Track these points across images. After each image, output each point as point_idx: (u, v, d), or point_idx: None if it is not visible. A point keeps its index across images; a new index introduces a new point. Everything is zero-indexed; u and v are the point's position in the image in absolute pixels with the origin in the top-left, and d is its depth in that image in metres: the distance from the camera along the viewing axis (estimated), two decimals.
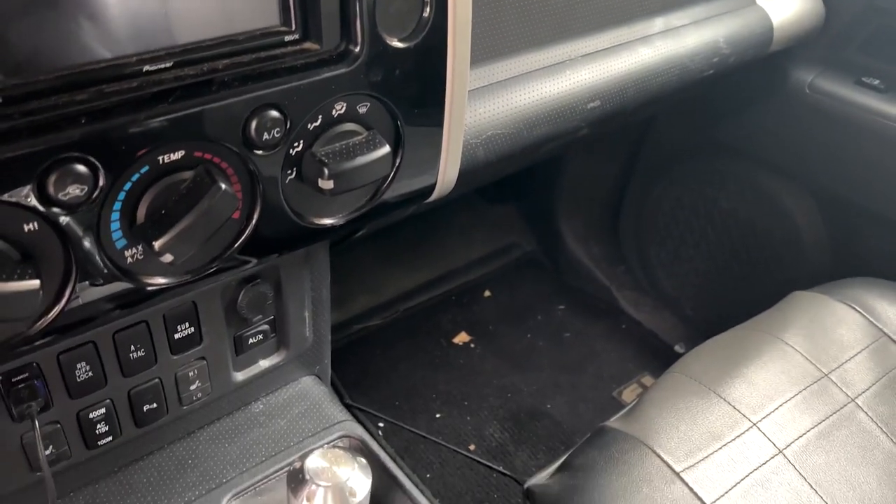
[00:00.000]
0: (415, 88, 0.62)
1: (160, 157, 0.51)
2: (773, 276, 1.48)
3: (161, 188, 0.52)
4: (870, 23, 1.25)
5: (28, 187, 0.46)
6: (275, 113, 0.54)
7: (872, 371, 0.96)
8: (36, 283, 0.47)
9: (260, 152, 0.55)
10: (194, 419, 0.83)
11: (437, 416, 1.50)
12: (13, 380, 0.64)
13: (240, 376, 0.83)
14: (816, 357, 0.96)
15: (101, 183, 0.48)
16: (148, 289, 0.57)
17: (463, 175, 0.75)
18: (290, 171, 0.58)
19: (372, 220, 0.70)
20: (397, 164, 0.65)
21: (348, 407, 1.09)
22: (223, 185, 0.52)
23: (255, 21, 0.53)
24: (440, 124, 0.67)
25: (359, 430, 0.86)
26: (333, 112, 0.58)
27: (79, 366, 0.67)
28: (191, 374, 0.77)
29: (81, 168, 0.47)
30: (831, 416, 0.91)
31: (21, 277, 0.47)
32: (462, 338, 1.68)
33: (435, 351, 1.65)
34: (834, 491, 0.84)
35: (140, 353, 0.71)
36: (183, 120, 0.50)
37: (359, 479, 0.66)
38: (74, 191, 0.47)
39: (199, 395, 0.79)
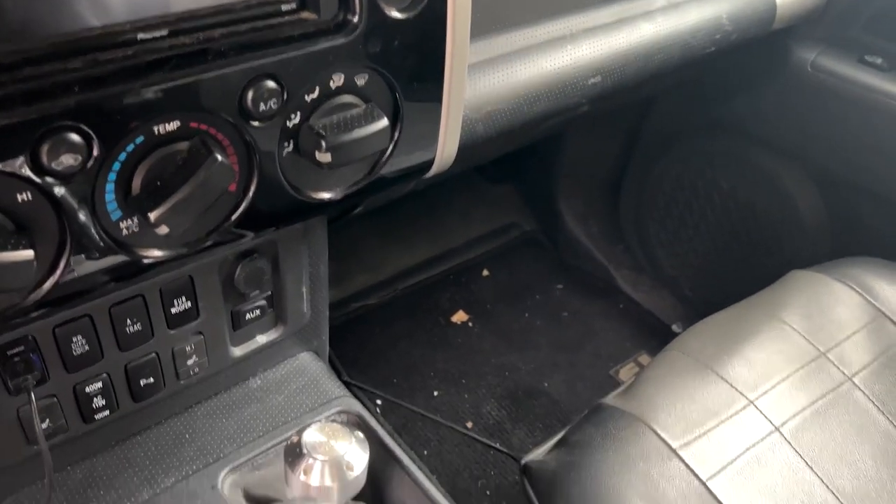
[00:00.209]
0: (414, 60, 0.61)
1: (155, 128, 0.50)
2: (772, 256, 1.48)
3: (156, 159, 0.52)
4: (873, 1, 1.23)
5: (21, 157, 0.45)
6: (271, 83, 0.53)
7: (870, 350, 0.96)
8: (30, 253, 0.47)
9: (256, 123, 0.54)
10: (192, 394, 0.83)
11: (435, 393, 1.51)
12: (9, 353, 0.64)
13: (237, 351, 0.83)
14: (814, 336, 0.96)
15: (95, 153, 0.48)
16: (144, 261, 0.56)
17: (462, 150, 0.74)
18: (287, 144, 0.58)
19: (370, 194, 0.69)
20: (396, 137, 0.64)
21: (346, 384, 1.10)
22: (219, 157, 0.51)
23: None
24: (439, 98, 0.66)
25: (356, 406, 0.86)
26: (331, 83, 0.57)
27: (75, 339, 0.67)
28: (188, 348, 0.77)
29: (75, 137, 0.46)
30: (828, 394, 0.91)
31: (15, 248, 0.46)
32: (460, 317, 1.69)
33: (433, 329, 1.65)
34: (829, 468, 0.84)
35: (137, 328, 0.71)
36: (178, 89, 0.50)
37: (356, 454, 0.66)
38: (68, 160, 0.46)
39: (197, 369, 0.79)
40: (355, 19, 0.56)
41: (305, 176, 0.61)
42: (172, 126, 0.51)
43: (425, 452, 1.40)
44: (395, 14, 0.57)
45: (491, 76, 0.81)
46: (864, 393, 0.92)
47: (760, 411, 0.88)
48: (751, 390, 0.89)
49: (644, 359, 1.62)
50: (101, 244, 0.53)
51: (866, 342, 0.97)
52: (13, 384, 0.64)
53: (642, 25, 0.96)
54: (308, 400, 0.86)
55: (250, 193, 0.58)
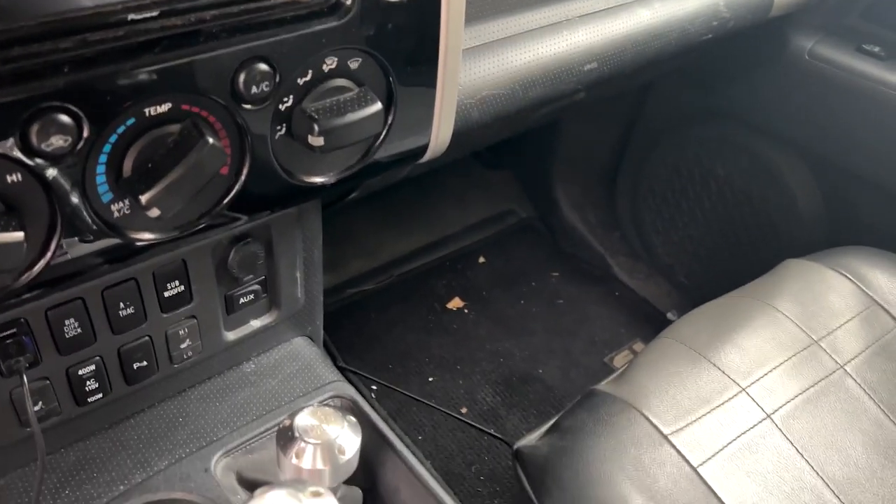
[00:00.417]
0: (408, 44, 0.61)
1: (146, 110, 0.50)
2: (768, 244, 1.48)
3: (148, 141, 0.51)
4: None
5: (11, 138, 0.45)
6: (263, 66, 0.53)
7: (862, 338, 0.96)
8: (20, 234, 0.47)
9: (248, 106, 0.54)
10: (185, 378, 0.83)
11: (430, 379, 1.51)
12: (1, 335, 0.64)
13: (231, 336, 0.83)
14: (807, 324, 0.97)
15: (85, 134, 0.48)
16: (136, 244, 0.56)
17: (457, 136, 0.74)
18: (279, 127, 0.58)
19: (364, 179, 0.69)
20: (389, 122, 0.64)
21: (341, 369, 1.10)
22: (210, 139, 0.51)
23: None
24: (433, 83, 0.66)
25: (350, 391, 0.86)
26: (324, 67, 0.57)
27: (67, 322, 0.67)
28: (181, 332, 0.77)
29: (65, 118, 0.46)
30: (820, 382, 0.91)
31: (5, 229, 0.46)
32: (456, 303, 1.69)
33: (429, 316, 1.65)
34: (820, 455, 0.85)
35: (129, 311, 0.71)
36: (169, 71, 0.49)
37: (348, 437, 0.66)
38: (58, 141, 0.46)
39: (190, 353, 0.79)
40: (349, 2, 0.55)
41: (298, 160, 0.61)
42: (164, 108, 0.51)
43: (420, 437, 1.41)
44: None
45: (486, 61, 0.80)
46: (855, 381, 0.92)
47: (752, 398, 0.88)
48: (743, 378, 0.90)
49: (639, 346, 1.63)
50: (93, 226, 0.52)
51: (859, 330, 0.97)
52: (5, 366, 0.64)
53: (639, 12, 0.96)
54: (301, 384, 0.86)
55: (242, 177, 0.58)
